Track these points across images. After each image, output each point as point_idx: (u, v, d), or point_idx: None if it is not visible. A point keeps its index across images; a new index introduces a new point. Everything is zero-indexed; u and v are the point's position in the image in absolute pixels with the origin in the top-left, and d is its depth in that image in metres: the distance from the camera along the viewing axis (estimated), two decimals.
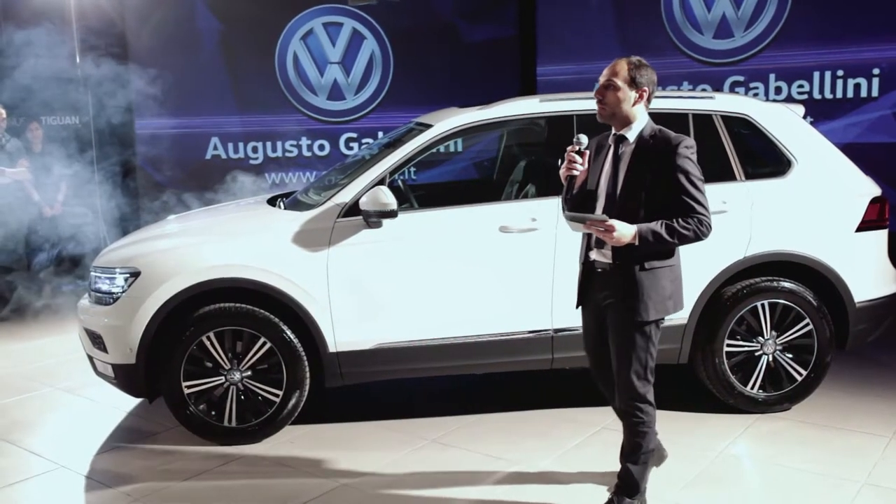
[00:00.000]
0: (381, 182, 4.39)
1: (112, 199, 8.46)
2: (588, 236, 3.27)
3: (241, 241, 4.42)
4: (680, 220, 3.07)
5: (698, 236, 3.09)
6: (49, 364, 6.05)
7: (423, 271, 4.40)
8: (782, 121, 4.71)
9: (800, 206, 4.58)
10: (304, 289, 4.31)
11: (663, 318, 3.23)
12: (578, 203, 3.24)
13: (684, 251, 4.38)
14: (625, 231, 3.02)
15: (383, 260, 4.36)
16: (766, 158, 4.73)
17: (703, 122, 4.61)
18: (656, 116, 4.72)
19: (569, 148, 3.19)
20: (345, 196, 4.40)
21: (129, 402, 5.04)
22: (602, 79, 3.17)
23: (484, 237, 4.40)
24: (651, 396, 3.25)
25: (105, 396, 5.15)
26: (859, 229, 4.61)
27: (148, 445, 4.47)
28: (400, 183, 4.83)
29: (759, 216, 4.52)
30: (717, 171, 4.58)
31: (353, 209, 4.34)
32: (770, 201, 4.56)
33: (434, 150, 4.58)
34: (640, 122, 3.19)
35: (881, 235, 4.70)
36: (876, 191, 4.70)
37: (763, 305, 4.53)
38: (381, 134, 9.31)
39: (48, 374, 5.77)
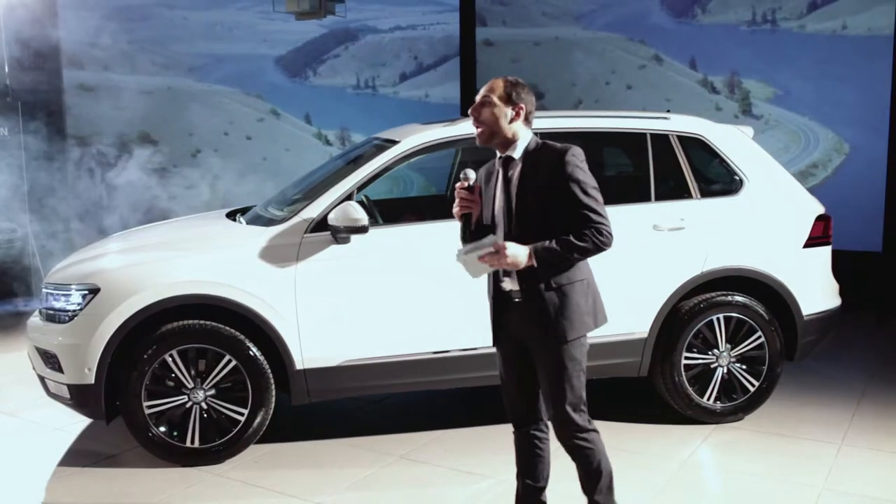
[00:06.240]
0: (348, 198, 4.38)
1: (42, 212, 8.14)
2: None
3: (206, 257, 4.32)
4: (574, 233, 2.88)
5: (598, 247, 2.89)
6: None
7: (392, 287, 4.38)
8: (734, 141, 4.90)
9: (752, 224, 4.76)
10: (271, 305, 4.24)
11: (585, 340, 3.03)
12: (477, 238, 3.00)
13: (646, 267, 4.59)
14: (518, 251, 2.85)
15: (351, 276, 4.33)
16: (719, 177, 4.92)
17: (661, 142, 4.77)
18: (615, 136, 4.95)
19: (457, 185, 3.02)
20: (312, 212, 4.36)
21: (75, 424, 4.85)
22: (478, 97, 3.03)
23: (452, 254, 4.40)
24: (591, 423, 3.06)
25: (49, 419, 4.94)
26: (806, 245, 4.82)
27: (105, 468, 4.31)
28: (364, 199, 4.81)
29: (714, 233, 4.68)
30: (675, 189, 4.76)
31: (320, 225, 4.31)
32: (724, 218, 4.73)
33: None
34: (523, 139, 3.03)
35: (826, 251, 4.92)
36: (820, 208, 4.93)
37: (718, 319, 4.69)
38: None
39: None
